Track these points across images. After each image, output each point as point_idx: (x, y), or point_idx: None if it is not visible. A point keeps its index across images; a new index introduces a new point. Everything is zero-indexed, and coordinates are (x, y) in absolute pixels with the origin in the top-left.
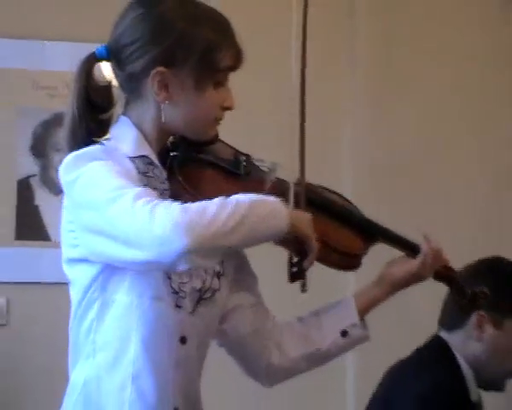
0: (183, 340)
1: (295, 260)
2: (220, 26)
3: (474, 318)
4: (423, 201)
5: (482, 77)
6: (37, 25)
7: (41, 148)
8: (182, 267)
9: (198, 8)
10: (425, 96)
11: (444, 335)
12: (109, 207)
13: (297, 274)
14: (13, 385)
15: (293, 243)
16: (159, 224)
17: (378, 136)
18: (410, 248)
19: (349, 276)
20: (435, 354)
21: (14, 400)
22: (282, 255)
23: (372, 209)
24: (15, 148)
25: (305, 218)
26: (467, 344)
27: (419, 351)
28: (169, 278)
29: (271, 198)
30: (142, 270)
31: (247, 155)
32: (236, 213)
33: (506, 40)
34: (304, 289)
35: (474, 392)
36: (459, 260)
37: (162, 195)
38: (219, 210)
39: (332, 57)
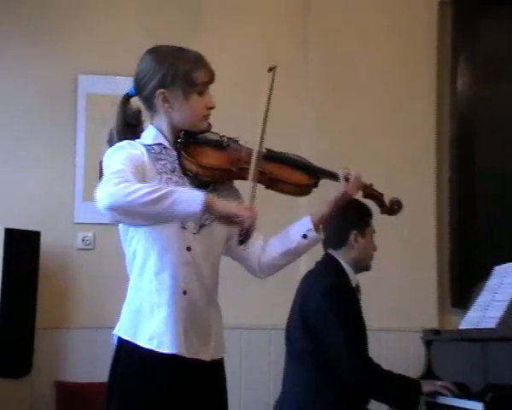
0: (188, 249)
1: (241, 231)
2: (195, 58)
3: (351, 237)
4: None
5: (397, 94)
6: None
7: None
8: (111, 219)
9: (179, 50)
10: (358, 106)
11: (331, 252)
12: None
13: (242, 240)
14: None
15: (231, 222)
16: (101, 190)
17: (324, 132)
18: (335, 177)
19: None
20: (330, 265)
21: None
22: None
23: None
24: None
25: (226, 204)
26: (348, 254)
27: (319, 264)
28: None
29: (196, 192)
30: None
31: (231, 138)
32: (158, 194)
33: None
34: (246, 248)
35: (354, 280)
36: None
37: (172, 164)
38: (144, 189)
39: (291, 78)
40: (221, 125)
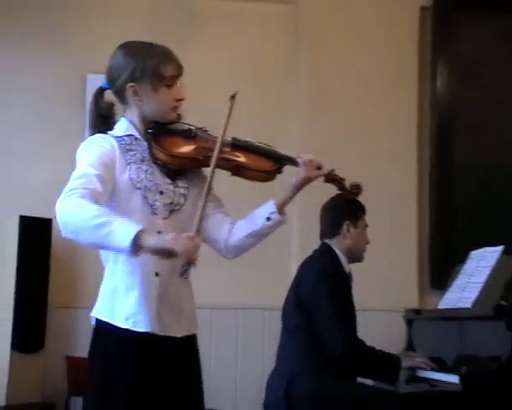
0: (159, 233)
1: (183, 263)
2: (163, 53)
3: (344, 227)
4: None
5: (381, 93)
6: None
7: None
8: (63, 234)
9: (148, 45)
10: (346, 105)
11: (327, 241)
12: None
13: (182, 272)
14: None
15: (168, 256)
16: (59, 203)
17: (313, 129)
18: (294, 162)
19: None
20: (325, 252)
21: None
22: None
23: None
24: None
25: (160, 238)
26: (342, 243)
27: (316, 251)
28: (145, 197)
29: (134, 226)
30: None
31: (200, 128)
32: (100, 221)
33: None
34: (186, 277)
35: (346, 268)
36: None
37: (141, 154)
38: (91, 212)
39: (284, 78)
40: (218, 123)
